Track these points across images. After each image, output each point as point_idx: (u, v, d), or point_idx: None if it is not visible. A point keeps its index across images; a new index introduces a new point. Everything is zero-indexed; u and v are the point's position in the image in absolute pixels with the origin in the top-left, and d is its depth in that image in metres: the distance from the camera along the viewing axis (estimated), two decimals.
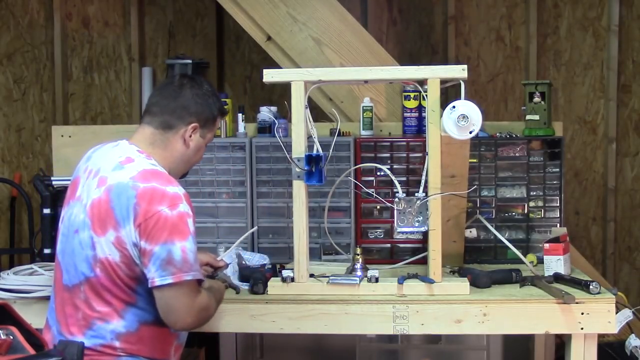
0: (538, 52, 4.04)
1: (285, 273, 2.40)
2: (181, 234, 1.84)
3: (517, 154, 2.88)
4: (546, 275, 2.53)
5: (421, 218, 2.35)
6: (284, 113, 2.96)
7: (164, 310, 1.87)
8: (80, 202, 1.96)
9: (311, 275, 2.44)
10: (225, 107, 3.01)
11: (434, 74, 2.33)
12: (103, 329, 1.90)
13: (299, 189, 2.37)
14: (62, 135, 3.22)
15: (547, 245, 2.59)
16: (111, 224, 1.87)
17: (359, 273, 2.45)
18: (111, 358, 1.90)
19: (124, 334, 1.90)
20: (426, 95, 2.34)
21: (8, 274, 2.48)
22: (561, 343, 2.84)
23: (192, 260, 1.86)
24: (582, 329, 2.27)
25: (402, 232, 2.44)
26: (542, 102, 2.95)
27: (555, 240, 2.59)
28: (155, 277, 1.84)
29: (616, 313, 2.29)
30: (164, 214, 1.83)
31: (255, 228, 2.83)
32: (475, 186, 2.83)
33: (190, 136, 2.04)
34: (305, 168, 2.34)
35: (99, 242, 1.88)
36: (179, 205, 1.86)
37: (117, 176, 1.90)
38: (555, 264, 2.56)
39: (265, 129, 3.06)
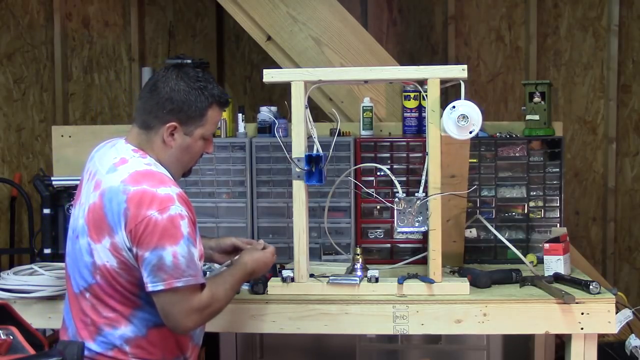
0: (538, 52, 4.04)
1: (285, 273, 2.40)
2: (172, 238, 1.78)
3: (517, 154, 2.88)
4: (546, 275, 2.53)
5: (421, 218, 2.35)
6: (284, 113, 2.96)
7: (162, 315, 1.84)
8: (80, 206, 1.94)
9: (311, 275, 2.44)
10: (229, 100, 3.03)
11: (434, 74, 2.33)
12: (112, 334, 1.87)
13: (299, 189, 2.37)
14: (62, 135, 3.22)
15: (547, 245, 2.59)
16: (106, 230, 1.83)
17: (359, 273, 2.45)
18: None
19: (133, 339, 1.88)
20: (426, 95, 2.34)
21: (8, 274, 2.47)
22: (561, 343, 2.84)
23: (184, 266, 1.80)
24: (582, 329, 2.27)
25: (402, 232, 2.44)
26: (542, 102, 2.94)
27: (555, 240, 2.59)
28: (148, 282, 1.80)
29: (616, 313, 2.29)
30: (154, 219, 1.78)
31: None
32: (475, 186, 2.83)
33: (171, 136, 1.92)
34: (305, 168, 2.34)
35: (96, 249, 1.85)
36: (169, 208, 1.79)
37: (110, 179, 1.86)
38: (555, 264, 2.56)
39: (265, 129, 3.06)
